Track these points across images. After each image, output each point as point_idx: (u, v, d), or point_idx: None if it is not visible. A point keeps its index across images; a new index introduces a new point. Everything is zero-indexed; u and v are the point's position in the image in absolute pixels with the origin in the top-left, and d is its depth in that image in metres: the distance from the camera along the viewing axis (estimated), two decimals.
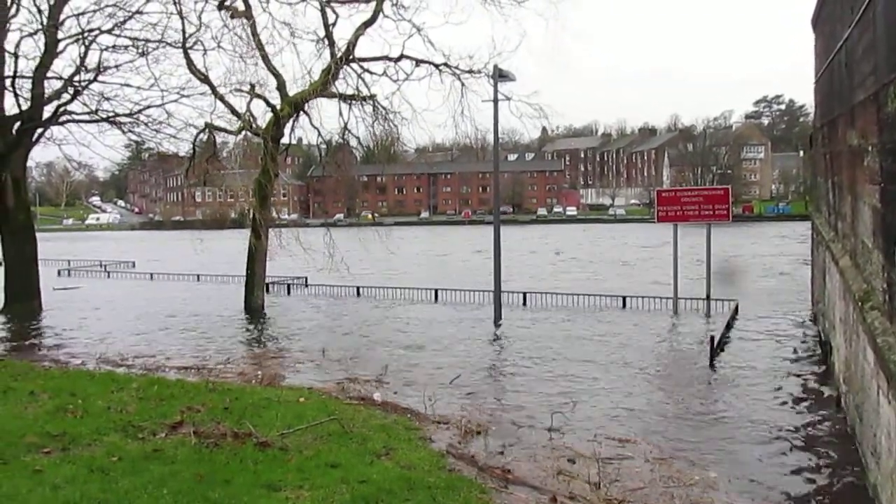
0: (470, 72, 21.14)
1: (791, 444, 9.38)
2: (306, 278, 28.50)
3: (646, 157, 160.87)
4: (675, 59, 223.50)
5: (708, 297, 21.10)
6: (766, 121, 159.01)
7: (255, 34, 21.12)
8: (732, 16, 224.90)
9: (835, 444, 9.23)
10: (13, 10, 21.32)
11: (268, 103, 21.87)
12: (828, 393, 11.54)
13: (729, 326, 17.64)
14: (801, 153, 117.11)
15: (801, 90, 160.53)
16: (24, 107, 22.10)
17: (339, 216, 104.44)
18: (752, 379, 12.81)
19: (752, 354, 14.82)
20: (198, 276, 32.71)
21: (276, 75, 21.75)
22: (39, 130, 22.98)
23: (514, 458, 8.27)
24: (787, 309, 20.51)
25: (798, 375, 13.11)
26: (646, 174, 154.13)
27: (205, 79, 21.48)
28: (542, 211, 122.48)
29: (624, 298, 21.93)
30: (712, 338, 14.71)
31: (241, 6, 21.20)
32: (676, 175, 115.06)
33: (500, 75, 18.98)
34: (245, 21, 21.17)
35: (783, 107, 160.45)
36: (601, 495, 7.13)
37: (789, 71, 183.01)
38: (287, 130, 22.45)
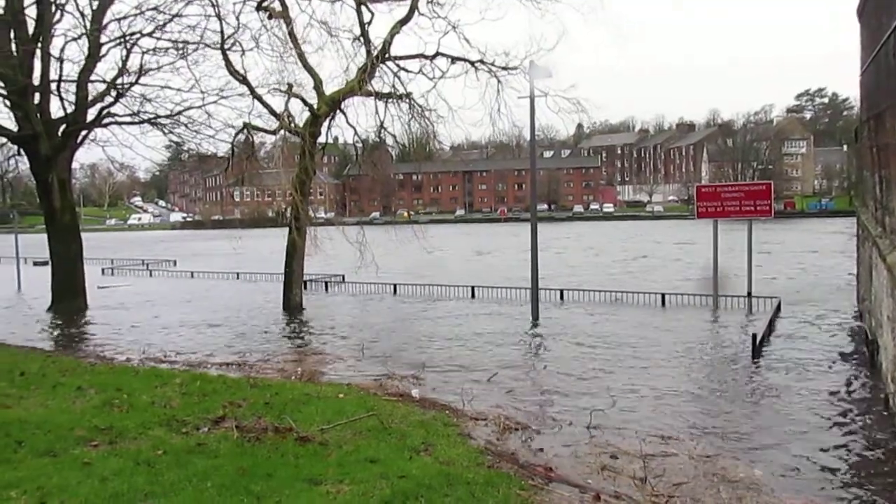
0: (506, 68, 21.07)
1: (837, 442, 9.18)
2: (343, 276, 28.75)
3: (684, 153, 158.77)
4: (714, 53, 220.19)
5: (749, 294, 20.74)
6: (808, 115, 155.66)
7: (292, 34, 21.31)
8: (774, 7, 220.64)
9: (883, 444, 9.01)
10: (58, 16, 21.83)
11: (305, 102, 22.06)
12: (876, 392, 11.26)
13: (771, 324, 17.32)
14: (846, 147, 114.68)
15: (846, 83, 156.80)
16: (69, 110, 22.65)
17: (376, 214, 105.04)
18: (796, 377, 12.55)
19: (795, 352, 14.52)
20: (237, 273, 33.19)
21: (313, 74, 21.93)
22: (84, 132, 23.51)
23: (555, 455, 8.22)
24: (831, 306, 20.08)
25: (844, 374, 12.81)
26: (684, 170, 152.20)
27: (243, 79, 21.75)
28: (578, 208, 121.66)
29: (663, 295, 21.68)
30: (754, 335, 14.47)
31: (278, 6, 21.41)
32: (715, 171, 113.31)
33: (536, 71, 18.87)
34: (282, 21, 21.37)
35: (826, 100, 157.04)
36: (647, 491, 7.06)
37: (833, 63, 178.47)
38: (324, 129, 22.63)
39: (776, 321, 17.97)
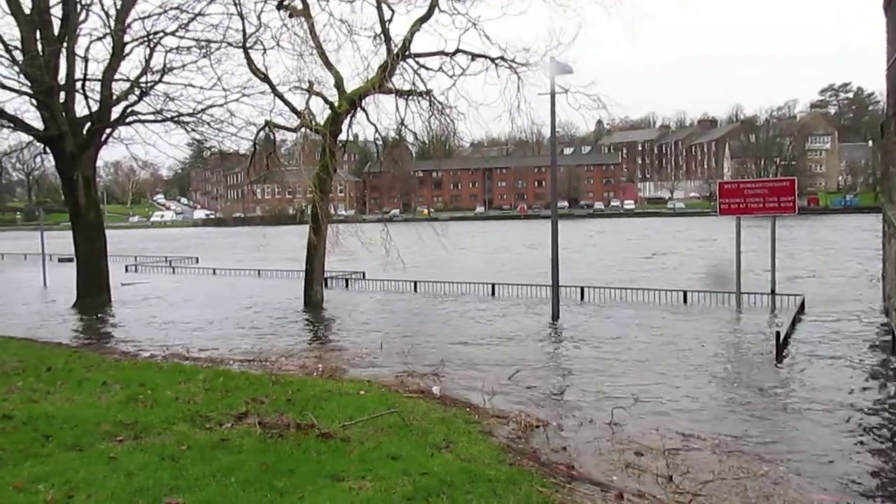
0: (526, 65, 20.99)
1: (862, 438, 9.09)
2: (364, 273, 28.86)
3: (706, 149, 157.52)
4: (738, 48, 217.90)
5: (773, 292, 20.53)
6: (832, 110, 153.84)
7: (312, 33, 21.40)
8: (799, 1, 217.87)
9: None
10: (83, 16, 22.10)
11: (325, 100, 22.15)
12: None
13: (795, 321, 17.14)
14: (871, 143, 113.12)
15: (871, 77, 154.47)
16: (94, 108, 22.95)
17: (395, 212, 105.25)
18: (820, 374, 12.42)
19: (820, 350, 14.36)
20: (258, 270, 33.43)
21: (334, 72, 22.00)
22: (108, 131, 23.80)
23: (578, 453, 8.19)
24: (857, 303, 19.84)
25: (869, 370, 12.67)
26: (706, 166, 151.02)
27: (265, 77, 21.89)
28: (598, 205, 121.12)
29: (685, 293, 21.54)
30: (778, 333, 14.32)
31: (299, 5, 21.49)
32: (738, 167, 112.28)
33: (557, 68, 18.78)
34: (303, 20, 21.46)
35: (851, 95, 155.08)
36: (672, 489, 7.02)
37: (858, 58, 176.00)
38: (344, 127, 22.69)
39: (800, 319, 17.78)
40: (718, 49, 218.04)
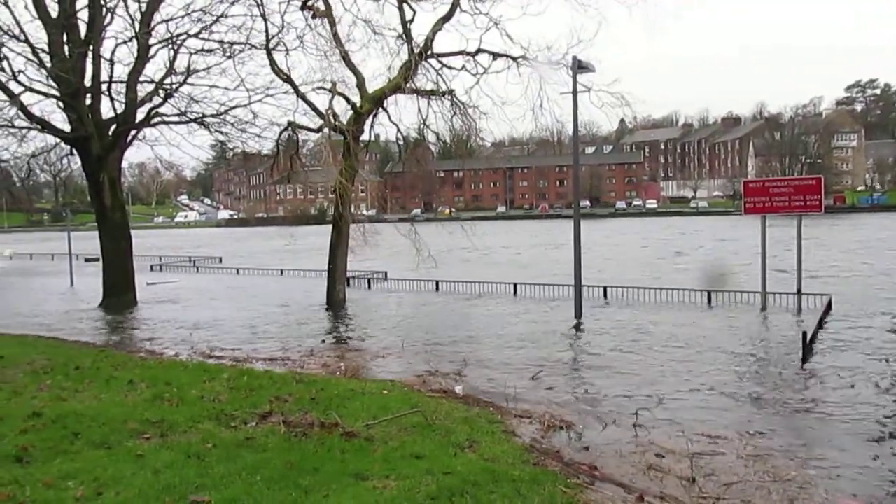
0: (548, 63, 20.91)
1: (892, 442, 8.93)
2: (386, 273, 28.95)
3: (729, 148, 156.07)
4: (762, 45, 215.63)
5: (798, 292, 20.29)
6: (859, 107, 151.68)
7: (335, 33, 21.49)
8: None
9: None
10: (108, 19, 22.37)
11: (348, 100, 22.23)
12: None
13: (821, 322, 16.92)
14: None
15: None
16: (119, 110, 23.21)
17: (417, 211, 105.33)
18: (849, 376, 12.23)
19: (847, 351, 14.17)
20: (281, 270, 33.67)
21: (356, 73, 22.09)
22: (133, 132, 24.09)
23: (601, 454, 8.15)
24: (885, 303, 19.54)
25: None
26: (729, 165, 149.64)
27: (287, 78, 22.02)
28: (620, 204, 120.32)
29: (709, 293, 21.35)
30: (804, 333, 14.13)
31: (322, 6, 21.60)
32: (762, 165, 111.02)
33: (579, 66, 18.67)
34: (326, 20, 21.56)
35: (878, 91, 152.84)
36: (695, 492, 6.96)
37: (885, 54, 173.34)
38: (367, 127, 22.78)
39: (827, 319, 17.55)
40: (743, 47, 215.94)
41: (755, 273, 20.96)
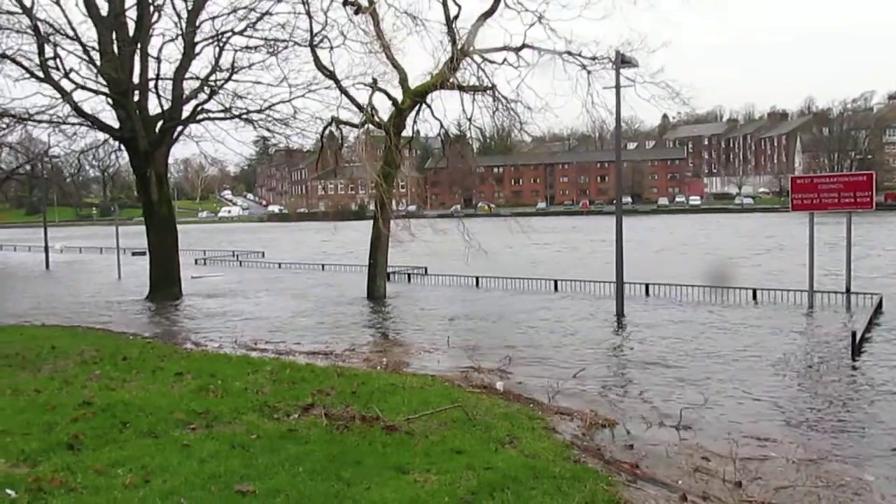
0: (594, 59, 20.64)
1: None
2: (426, 268, 29.02)
3: (775, 143, 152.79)
4: (810, 38, 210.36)
5: (848, 291, 19.79)
6: None
7: (378, 28, 21.56)
8: None
9: None
10: (155, 17, 22.85)
11: (389, 96, 22.31)
12: None
13: (872, 321, 16.47)
14: None
15: None
16: (166, 107, 23.67)
17: (457, 207, 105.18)
18: None
19: None
20: (322, 265, 34.01)
21: (399, 68, 22.12)
22: (179, 128, 24.53)
23: (644, 454, 8.04)
24: None
25: None
26: (775, 161, 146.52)
27: (330, 74, 22.19)
28: (663, 200, 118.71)
29: (754, 291, 20.95)
30: (854, 333, 13.78)
31: (365, 2, 21.68)
32: (810, 161, 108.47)
33: (622, 61, 18.46)
34: (369, 16, 21.64)
35: None
36: (739, 496, 6.81)
37: None
38: (408, 122, 22.83)
39: (877, 318, 17.08)
40: (792, 40, 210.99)
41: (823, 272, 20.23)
